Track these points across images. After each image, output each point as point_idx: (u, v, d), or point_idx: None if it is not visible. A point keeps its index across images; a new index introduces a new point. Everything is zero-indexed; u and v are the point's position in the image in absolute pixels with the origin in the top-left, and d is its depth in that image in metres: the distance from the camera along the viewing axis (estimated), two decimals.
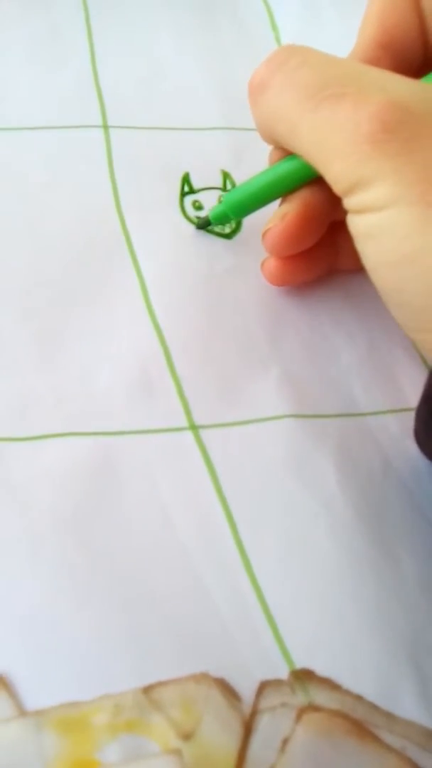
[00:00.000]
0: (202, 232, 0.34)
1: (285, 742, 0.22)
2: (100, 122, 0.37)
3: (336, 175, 0.25)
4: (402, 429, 0.30)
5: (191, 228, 0.34)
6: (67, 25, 0.41)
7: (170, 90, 0.39)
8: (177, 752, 0.21)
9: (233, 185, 0.36)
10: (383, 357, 0.32)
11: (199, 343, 0.31)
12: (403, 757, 0.22)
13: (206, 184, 0.36)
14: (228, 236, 0.34)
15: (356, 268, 0.30)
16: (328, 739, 0.22)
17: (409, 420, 0.30)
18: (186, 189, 0.36)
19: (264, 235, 0.30)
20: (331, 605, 0.25)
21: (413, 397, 0.31)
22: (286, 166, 0.30)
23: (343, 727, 0.22)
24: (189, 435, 0.28)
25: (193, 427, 0.29)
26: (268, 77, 0.27)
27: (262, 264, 0.32)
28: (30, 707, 0.21)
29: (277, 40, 0.43)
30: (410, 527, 0.27)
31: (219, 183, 0.36)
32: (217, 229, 0.34)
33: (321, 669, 0.24)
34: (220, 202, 0.33)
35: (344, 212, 0.26)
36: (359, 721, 0.22)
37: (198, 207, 0.35)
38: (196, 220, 0.35)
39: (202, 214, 0.35)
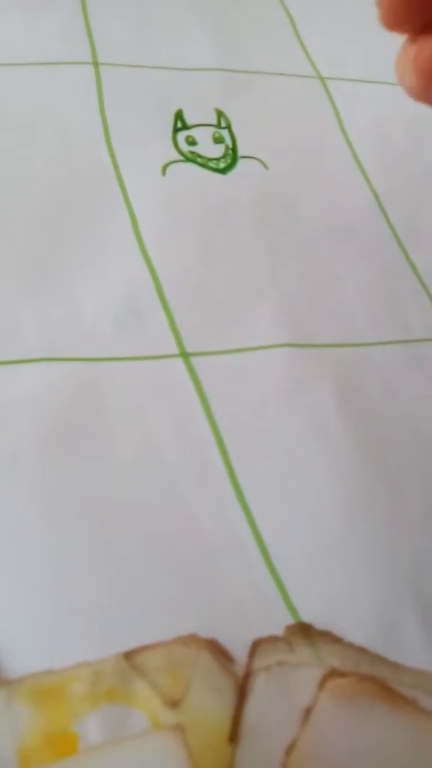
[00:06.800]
0: (193, 165, 0.32)
1: (308, 711, 0.19)
2: (89, 59, 0.35)
3: None
4: (409, 360, 0.28)
5: (184, 163, 0.32)
6: None
7: (162, 30, 0.37)
8: (173, 728, 0.18)
9: (228, 123, 0.34)
10: (387, 289, 0.30)
11: (191, 272, 0.29)
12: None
13: (200, 121, 0.34)
14: (223, 171, 0.32)
15: None
16: (356, 706, 0.19)
17: (416, 351, 0.28)
18: (179, 125, 0.34)
19: None
20: (330, 540, 0.23)
21: (419, 329, 0.29)
22: None
23: (371, 691, 0.19)
24: (179, 362, 0.26)
25: (184, 355, 0.27)
26: None
27: None
28: (2, 675, 0.18)
29: None
30: (415, 456, 0.26)
31: (213, 121, 0.34)
32: (212, 164, 0.32)
33: (321, 607, 0.22)
34: None
35: None
36: (387, 684, 0.19)
37: (191, 142, 0.33)
38: (189, 154, 0.33)
39: (196, 149, 0.33)
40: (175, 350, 0.27)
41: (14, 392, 0.25)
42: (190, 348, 0.27)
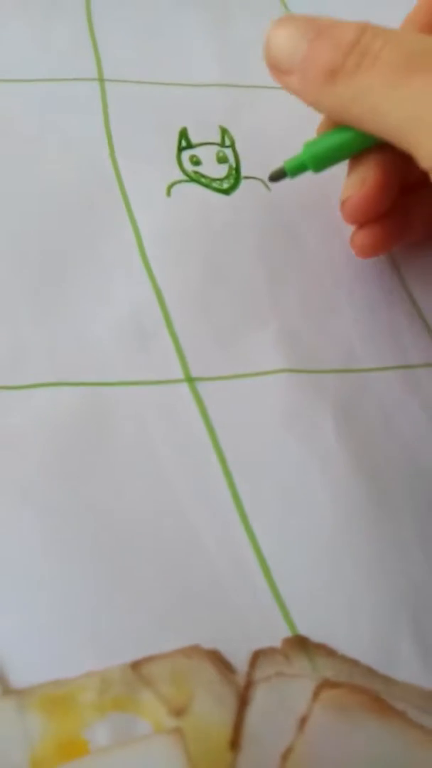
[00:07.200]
0: (197, 186, 0.32)
1: (303, 720, 0.20)
2: (95, 75, 0.35)
3: (428, 152, 0.23)
4: (404, 385, 0.28)
5: (188, 183, 0.32)
6: None
7: (167, 45, 0.37)
8: (172, 731, 0.19)
9: (232, 141, 0.34)
10: (383, 315, 0.30)
11: (196, 295, 0.29)
12: (427, 731, 0.20)
13: (204, 139, 0.34)
14: (226, 191, 0.32)
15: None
16: (348, 716, 0.20)
17: (411, 377, 0.28)
18: (183, 143, 0.34)
19: (344, 204, 0.28)
20: (329, 561, 0.24)
21: (415, 355, 0.29)
22: None
23: (362, 702, 0.20)
24: (185, 387, 0.26)
25: (190, 380, 0.27)
26: (341, 61, 0.24)
27: (352, 239, 0.29)
28: (14, 685, 0.19)
29: None
30: (410, 483, 0.26)
31: (217, 139, 0.34)
32: (215, 184, 0.32)
33: (320, 625, 0.22)
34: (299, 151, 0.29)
35: (416, 174, 0.25)
36: (379, 696, 0.20)
37: (196, 162, 0.33)
38: (194, 175, 0.32)
39: (200, 169, 0.33)
40: (181, 375, 0.27)
41: (24, 417, 0.25)
42: (195, 373, 0.27)
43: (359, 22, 0.25)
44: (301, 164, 0.28)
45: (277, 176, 0.29)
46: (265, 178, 0.33)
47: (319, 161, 0.28)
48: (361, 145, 0.27)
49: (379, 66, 0.24)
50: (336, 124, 0.28)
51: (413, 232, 0.30)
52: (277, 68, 0.27)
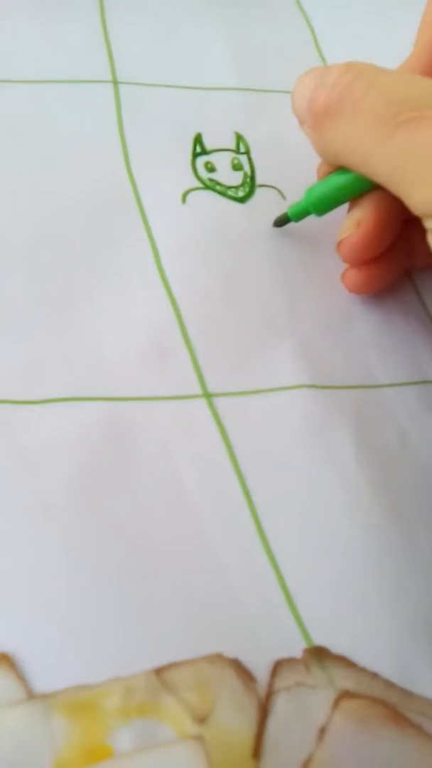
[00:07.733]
0: (212, 193, 0.32)
1: (323, 730, 0.20)
2: (109, 77, 0.34)
3: (418, 201, 0.24)
4: (421, 402, 0.28)
5: (203, 190, 0.32)
6: None
7: (182, 48, 0.36)
8: (194, 738, 0.19)
9: (247, 148, 0.34)
10: (399, 329, 0.30)
11: (212, 309, 0.28)
12: None
13: (218, 145, 0.34)
14: (241, 200, 0.32)
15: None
16: (366, 727, 0.20)
17: (428, 393, 0.28)
18: (198, 150, 0.33)
19: (339, 244, 0.28)
20: (348, 580, 0.24)
21: (431, 369, 0.29)
22: None
23: (381, 714, 0.20)
24: (203, 403, 0.26)
25: (207, 395, 0.27)
26: (333, 104, 0.25)
27: (343, 276, 0.30)
28: (38, 690, 0.19)
29: (298, 1, 0.40)
30: (427, 502, 0.26)
31: (232, 145, 0.34)
32: (230, 192, 0.32)
33: (339, 645, 0.22)
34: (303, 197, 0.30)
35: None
36: (396, 708, 0.21)
37: (210, 168, 0.33)
38: (209, 182, 0.32)
39: (215, 176, 0.33)
40: (199, 391, 0.27)
41: (43, 433, 0.25)
42: (212, 388, 0.27)
43: (346, 63, 0.25)
44: (303, 210, 0.30)
45: (282, 222, 0.31)
46: (281, 186, 0.33)
47: (321, 206, 0.29)
48: (361, 188, 0.28)
49: (365, 115, 0.24)
50: (335, 168, 0.28)
51: (416, 262, 0.31)
52: (298, 119, 0.28)
